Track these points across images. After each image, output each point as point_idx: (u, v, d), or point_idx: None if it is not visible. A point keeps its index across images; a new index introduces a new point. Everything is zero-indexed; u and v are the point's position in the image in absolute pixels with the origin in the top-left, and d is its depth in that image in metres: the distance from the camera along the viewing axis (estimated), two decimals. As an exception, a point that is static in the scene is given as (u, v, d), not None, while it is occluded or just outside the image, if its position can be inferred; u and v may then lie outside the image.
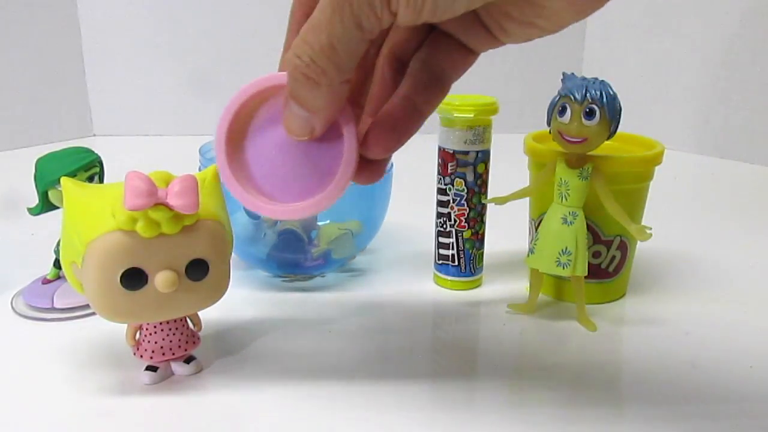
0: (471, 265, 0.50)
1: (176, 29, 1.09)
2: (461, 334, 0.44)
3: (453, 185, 0.48)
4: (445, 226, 0.49)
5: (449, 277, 0.50)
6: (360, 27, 0.23)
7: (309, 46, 0.24)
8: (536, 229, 0.46)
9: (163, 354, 0.37)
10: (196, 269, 0.34)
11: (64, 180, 0.36)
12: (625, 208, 0.43)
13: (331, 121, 0.27)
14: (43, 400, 0.35)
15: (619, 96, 0.41)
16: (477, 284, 0.51)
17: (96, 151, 0.44)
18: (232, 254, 0.37)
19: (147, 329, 0.37)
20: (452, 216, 0.48)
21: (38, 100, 1.02)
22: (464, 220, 0.48)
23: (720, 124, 0.99)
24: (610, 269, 0.47)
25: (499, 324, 0.45)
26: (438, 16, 0.23)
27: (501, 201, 0.46)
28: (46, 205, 0.43)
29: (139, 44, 1.09)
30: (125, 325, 0.37)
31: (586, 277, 0.44)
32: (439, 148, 0.48)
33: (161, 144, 1.07)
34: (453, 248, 0.49)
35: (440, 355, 0.42)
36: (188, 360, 0.38)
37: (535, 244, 0.45)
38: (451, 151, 0.47)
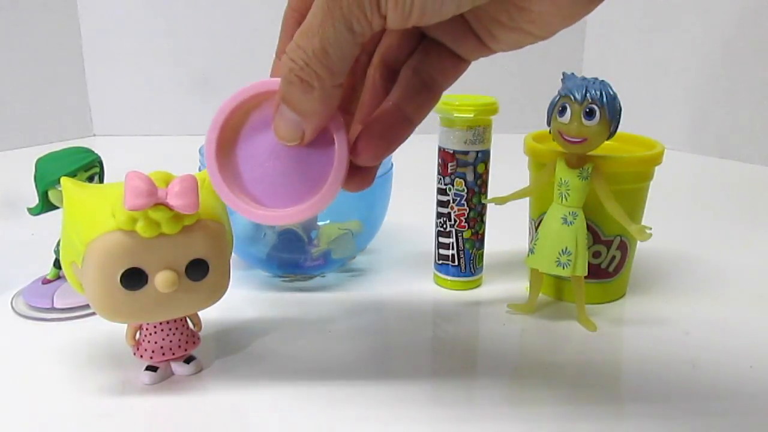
0: (471, 265, 0.50)
1: (176, 29, 1.09)
2: (461, 334, 0.44)
3: (453, 185, 0.48)
4: (445, 226, 0.49)
5: (449, 277, 0.50)
6: (351, 30, 0.23)
7: (302, 50, 0.24)
8: (536, 229, 0.46)
9: (163, 354, 0.37)
10: (196, 269, 0.34)
11: (64, 180, 0.36)
12: (625, 208, 0.43)
13: (321, 126, 0.27)
14: (43, 400, 0.35)
15: (619, 96, 0.41)
16: (477, 284, 0.51)
17: (96, 151, 0.44)
18: (232, 254, 0.37)
19: (147, 329, 0.37)
20: (452, 216, 0.48)
21: (38, 100, 1.02)
22: (464, 220, 0.48)
23: (720, 124, 0.99)
24: (610, 269, 0.47)
25: (499, 324, 0.45)
26: (426, 20, 0.23)
27: (501, 201, 0.46)
28: (46, 205, 0.43)
29: (139, 44, 1.09)
30: (125, 325, 0.37)
31: (586, 277, 0.44)
32: (439, 148, 0.48)
33: (161, 144, 1.07)
34: (453, 248, 0.49)
35: (440, 355, 0.42)
36: (188, 360, 0.38)
37: (535, 244, 0.45)
38: (451, 151, 0.47)
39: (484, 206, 0.49)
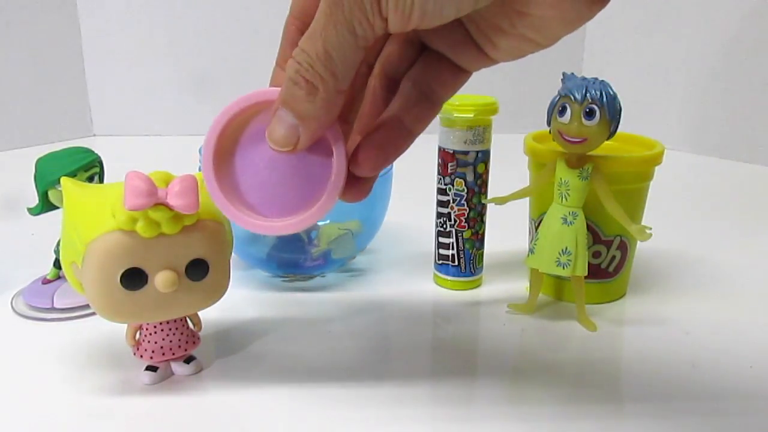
0: (471, 265, 0.50)
1: (176, 29, 1.09)
2: (461, 334, 0.44)
3: (453, 185, 0.48)
4: (445, 226, 0.49)
5: (449, 277, 0.50)
6: (353, 33, 0.23)
7: (306, 54, 0.24)
8: (536, 229, 0.46)
9: (163, 354, 0.37)
10: (196, 269, 0.34)
11: (64, 180, 0.36)
12: (625, 208, 0.43)
13: (317, 135, 0.26)
14: (43, 400, 0.35)
15: (619, 96, 0.41)
16: (477, 284, 0.51)
17: (96, 151, 0.44)
18: (232, 254, 0.37)
19: (147, 329, 0.37)
20: (452, 216, 0.48)
21: (38, 100, 1.02)
22: (464, 220, 0.48)
23: (719, 124, 0.99)
24: (610, 269, 0.47)
25: (499, 324, 0.45)
26: (427, 22, 0.23)
27: (501, 201, 0.46)
28: (46, 205, 0.43)
29: (139, 44, 1.09)
30: (125, 325, 0.37)
31: (586, 277, 0.44)
32: (439, 148, 0.48)
33: (161, 144, 1.07)
34: (453, 248, 0.49)
35: (440, 354, 0.42)
36: (188, 360, 0.38)
37: (535, 244, 0.45)
38: (451, 151, 0.47)
39: (484, 206, 0.49)
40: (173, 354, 0.37)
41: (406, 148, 0.29)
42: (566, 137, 0.41)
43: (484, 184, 0.48)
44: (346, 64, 0.24)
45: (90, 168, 0.43)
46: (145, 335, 0.37)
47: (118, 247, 0.32)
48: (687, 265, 0.56)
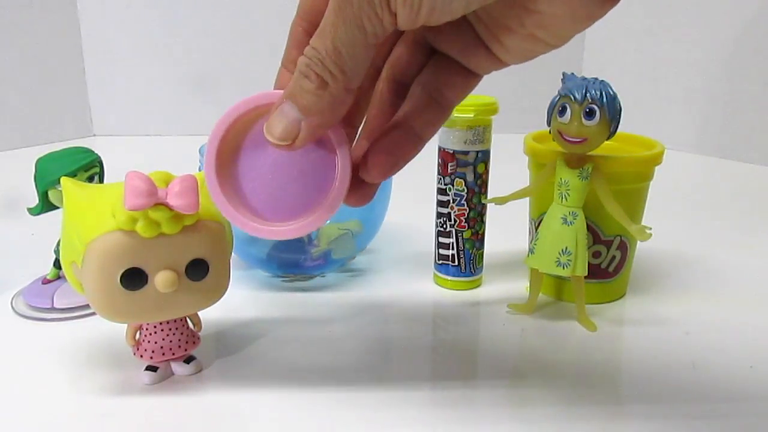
0: (471, 265, 0.50)
1: (176, 29, 1.09)
2: (461, 334, 0.44)
3: (453, 185, 0.48)
4: (445, 226, 0.49)
5: (449, 277, 0.50)
6: (362, 29, 0.23)
7: (316, 51, 0.24)
8: (536, 229, 0.46)
9: (163, 354, 0.37)
10: (196, 269, 0.34)
11: (64, 180, 0.36)
12: (625, 208, 0.43)
13: (319, 133, 0.26)
14: (43, 400, 0.35)
15: (619, 96, 0.41)
16: (477, 284, 0.51)
17: (96, 151, 0.44)
18: (232, 254, 0.37)
19: (147, 329, 0.37)
20: (452, 216, 0.48)
21: (38, 100, 1.02)
22: (464, 220, 0.48)
23: (720, 124, 0.99)
24: (610, 269, 0.47)
25: (499, 324, 0.45)
26: (436, 17, 0.23)
27: (501, 201, 0.46)
28: (46, 205, 0.43)
29: (139, 44, 1.09)
30: (125, 325, 0.37)
31: (586, 277, 0.44)
32: (439, 148, 0.48)
33: (161, 144, 1.07)
34: (453, 248, 0.49)
35: (440, 355, 0.42)
36: (188, 360, 0.38)
37: (535, 244, 0.45)
38: (451, 151, 0.47)
39: (484, 206, 0.49)
40: (173, 354, 0.37)
41: (416, 154, 0.29)
42: (566, 137, 0.41)
43: (484, 184, 0.48)
44: (356, 62, 0.24)
45: (90, 168, 0.43)
46: (145, 335, 0.37)
47: (118, 247, 0.32)
48: (687, 265, 0.56)
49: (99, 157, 0.44)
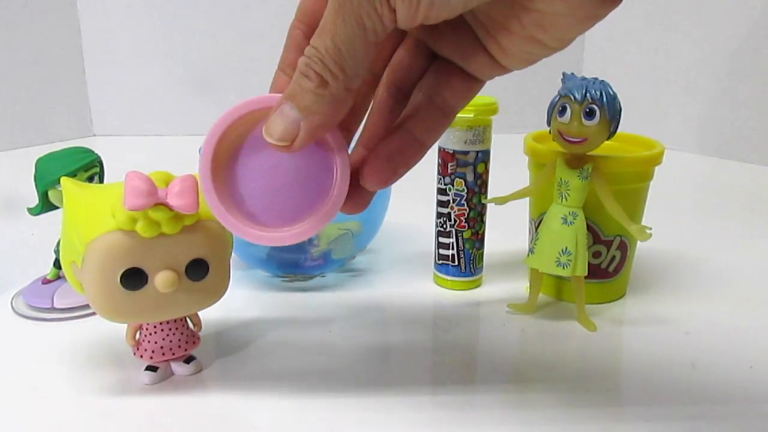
0: (471, 265, 0.50)
1: (176, 29, 1.09)
2: (461, 334, 0.44)
3: (453, 185, 0.48)
4: (445, 226, 0.49)
5: (449, 277, 0.50)
6: (362, 26, 0.23)
7: (316, 49, 0.24)
8: (536, 229, 0.46)
9: (163, 354, 0.37)
10: (196, 269, 0.34)
11: (64, 180, 0.36)
12: (625, 208, 0.43)
13: (318, 134, 0.26)
14: (43, 400, 0.36)
15: (619, 96, 0.41)
16: (477, 284, 0.51)
17: (96, 151, 0.44)
18: (232, 254, 0.37)
19: (147, 329, 0.37)
20: (452, 216, 0.48)
21: (38, 100, 1.02)
22: (464, 220, 0.48)
23: (720, 124, 0.99)
24: (610, 269, 0.47)
25: (499, 324, 0.45)
26: (435, 13, 0.23)
27: (501, 201, 0.46)
28: (46, 205, 0.43)
29: (139, 44, 1.09)
30: (125, 325, 0.37)
31: (586, 277, 0.44)
32: (439, 148, 0.48)
33: (161, 144, 1.07)
34: (453, 248, 0.49)
35: (440, 354, 0.42)
36: (188, 360, 0.38)
37: (535, 244, 0.45)
38: (451, 151, 0.47)
39: (484, 206, 0.49)
40: (173, 354, 0.37)
41: (418, 161, 0.28)
42: (566, 137, 0.41)
43: (484, 184, 0.48)
44: (356, 60, 0.24)
45: (90, 168, 0.43)
46: (145, 335, 0.37)
47: (118, 247, 0.32)
48: (687, 265, 0.56)
49: (99, 157, 0.44)
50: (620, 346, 0.43)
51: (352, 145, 0.30)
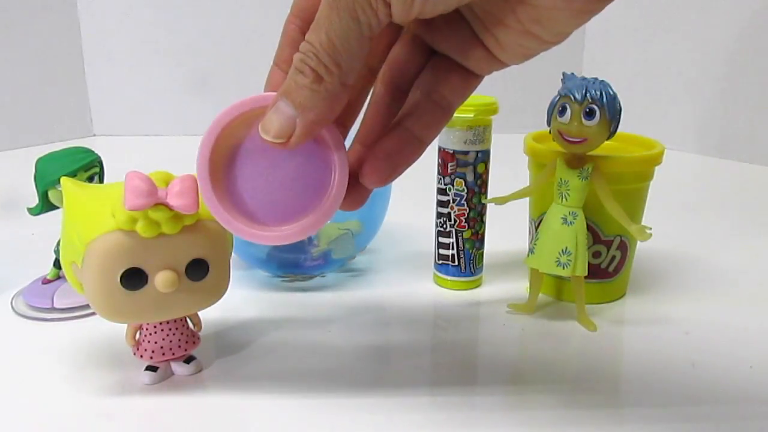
0: (471, 265, 0.50)
1: (176, 29, 1.09)
2: (461, 334, 0.44)
3: (453, 185, 0.48)
4: (445, 226, 0.49)
5: (449, 277, 0.50)
6: (357, 20, 0.23)
7: (310, 44, 0.24)
8: (536, 229, 0.46)
9: (163, 354, 0.37)
10: (196, 269, 0.34)
11: (64, 180, 0.36)
12: (625, 208, 0.43)
13: (314, 131, 0.26)
14: (43, 400, 0.35)
15: (619, 96, 0.41)
16: (477, 284, 0.51)
17: (96, 151, 0.44)
18: (232, 254, 0.37)
19: (147, 329, 0.37)
20: (452, 216, 0.48)
21: (38, 100, 1.02)
22: (464, 220, 0.48)
23: (720, 124, 0.99)
24: (610, 269, 0.47)
25: (499, 324, 0.45)
26: (430, 8, 0.23)
27: (501, 201, 0.46)
28: (46, 205, 0.43)
29: (139, 44, 1.09)
30: (125, 325, 0.37)
31: (586, 277, 0.44)
32: (439, 148, 0.48)
33: (161, 144, 1.07)
34: (453, 248, 0.49)
35: (440, 354, 0.42)
36: (188, 360, 0.38)
37: (535, 244, 0.45)
38: (451, 151, 0.47)
39: (484, 206, 0.49)
40: (173, 354, 0.37)
41: (417, 158, 0.28)
42: (566, 137, 0.41)
43: (484, 184, 0.48)
44: (351, 55, 0.24)
45: (90, 168, 0.43)
46: (145, 335, 0.37)
47: (118, 247, 0.32)
48: (687, 265, 0.56)
49: (99, 157, 0.44)
50: (620, 346, 0.43)
51: (348, 141, 0.30)
